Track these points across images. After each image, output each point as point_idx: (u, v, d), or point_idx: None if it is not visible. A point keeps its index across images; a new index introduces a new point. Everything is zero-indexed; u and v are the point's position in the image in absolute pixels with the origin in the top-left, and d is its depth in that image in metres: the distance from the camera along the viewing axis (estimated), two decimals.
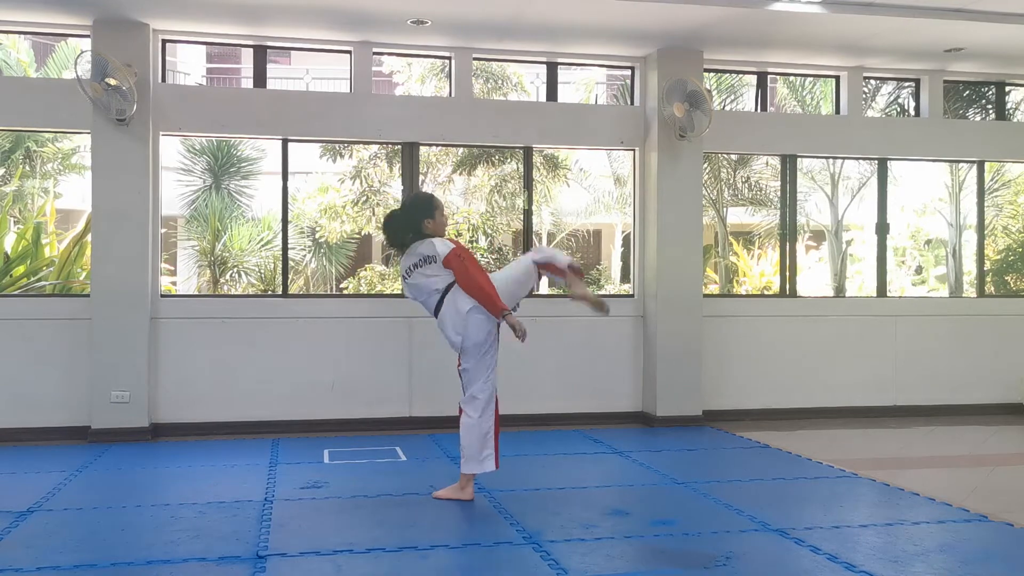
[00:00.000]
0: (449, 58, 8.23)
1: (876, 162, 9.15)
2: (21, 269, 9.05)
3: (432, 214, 5.23)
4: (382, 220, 5.38)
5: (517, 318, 4.99)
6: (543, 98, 9.22)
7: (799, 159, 9.07)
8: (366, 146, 12.32)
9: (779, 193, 9.28)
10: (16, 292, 8.66)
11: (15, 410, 7.22)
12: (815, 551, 4.32)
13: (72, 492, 5.54)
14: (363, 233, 13.02)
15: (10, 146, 12.40)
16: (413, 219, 5.22)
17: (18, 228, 10.36)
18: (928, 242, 14.30)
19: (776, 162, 9.73)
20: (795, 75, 11.02)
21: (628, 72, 8.66)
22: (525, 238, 8.50)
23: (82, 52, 7.19)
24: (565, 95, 13.01)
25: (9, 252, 9.20)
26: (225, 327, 7.60)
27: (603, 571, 4.05)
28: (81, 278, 8.91)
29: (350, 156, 12.95)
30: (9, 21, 7.37)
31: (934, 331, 8.86)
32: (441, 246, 5.09)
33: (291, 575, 3.99)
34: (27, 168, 12.60)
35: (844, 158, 10.96)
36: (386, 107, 8.07)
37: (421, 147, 8.34)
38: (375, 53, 8.05)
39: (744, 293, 12.76)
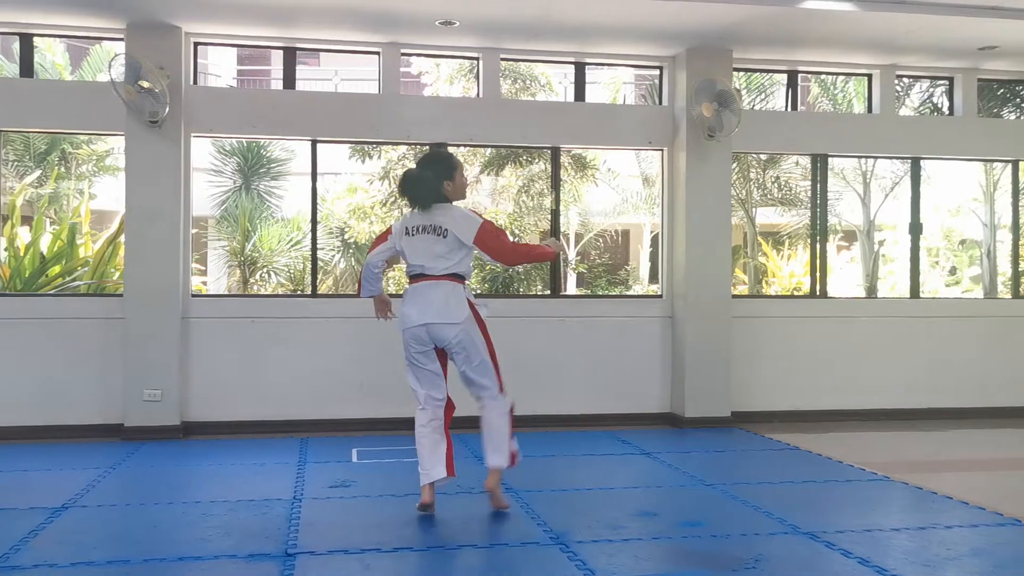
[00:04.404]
0: (477, 59, 8.24)
1: (909, 161, 9.04)
2: (57, 269, 9.19)
3: (452, 175, 4.87)
4: (400, 180, 4.93)
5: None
6: (571, 98, 9.21)
7: (830, 159, 8.99)
8: (395, 147, 12.37)
9: (810, 193, 9.19)
10: (52, 292, 8.80)
11: (50, 407, 7.33)
12: (846, 555, 4.27)
13: (106, 489, 5.62)
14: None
15: (46, 148, 12.60)
16: (431, 181, 4.82)
17: (54, 229, 10.52)
18: (962, 242, 14.12)
19: (807, 162, 9.65)
20: (826, 74, 10.91)
21: (656, 72, 8.62)
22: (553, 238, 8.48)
23: (116, 55, 7.29)
24: (593, 95, 12.99)
25: (45, 252, 9.34)
26: (255, 327, 7.66)
27: (630, 572, 4.03)
28: (115, 278, 9.03)
29: (379, 157, 13.02)
30: (45, 25, 7.49)
31: (968, 333, 8.74)
32: (467, 225, 4.75)
33: (319, 573, 4.01)
34: (63, 170, 12.80)
35: (876, 157, 10.84)
36: (414, 108, 8.10)
37: (449, 147, 8.36)
38: (403, 54, 8.08)
39: (773, 294, 12.66)
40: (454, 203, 4.93)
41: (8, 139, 11.19)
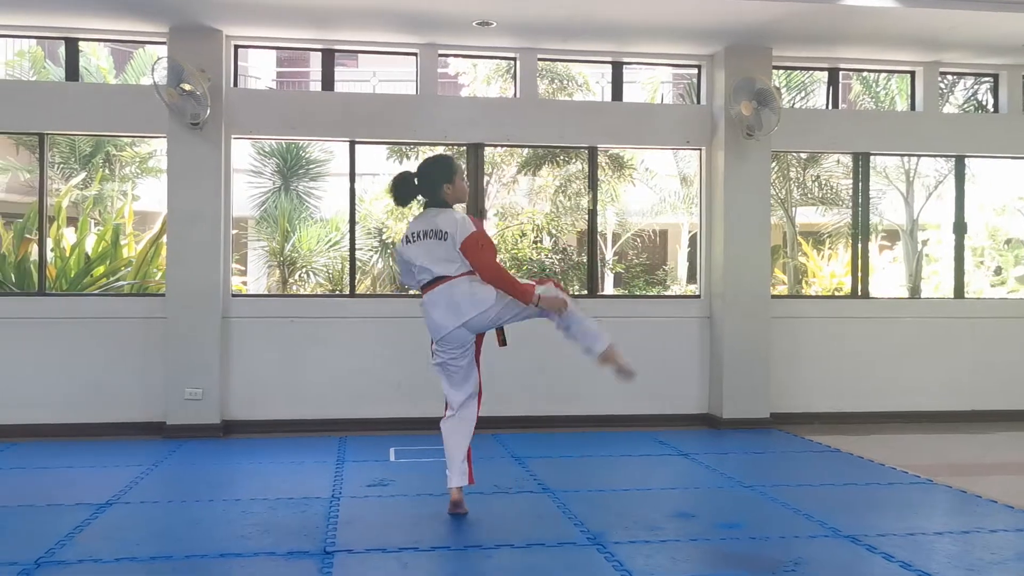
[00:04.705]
0: (514, 59, 8.25)
1: (953, 159, 8.89)
2: (101, 269, 9.35)
3: (452, 179, 4.80)
4: (393, 180, 4.86)
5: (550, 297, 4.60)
6: (608, 98, 9.18)
7: (872, 157, 8.87)
8: (432, 147, 12.40)
9: (851, 192, 9.08)
10: (96, 291, 8.96)
11: (95, 405, 7.45)
12: (888, 558, 4.21)
13: (148, 486, 5.71)
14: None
15: (91, 150, 12.82)
16: (431, 184, 4.79)
17: (98, 230, 10.71)
18: (1008, 242, 13.84)
19: (848, 160, 9.53)
20: (868, 71, 10.76)
21: (694, 71, 8.57)
22: (590, 238, 8.47)
23: (159, 59, 7.41)
24: (630, 95, 12.93)
25: (90, 253, 9.51)
26: (294, 326, 7.73)
27: (668, 573, 4.02)
28: (157, 278, 9.17)
29: (416, 157, 13.06)
30: (90, 29, 7.63)
31: (1013, 334, 8.56)
32: (461, 228, 4.65)
33: (358, 571, 4.04)
34: (107, 172, 13.02)
35: (919, 156, 10.67)
36: (452, 108, 8.13)
37: (486, 148, 8.38)
38: (441, 55, 8.11)
39: (814, 294, 12.51)
40: (454, 207, 4.89)
41: (54, 142, 11.41)
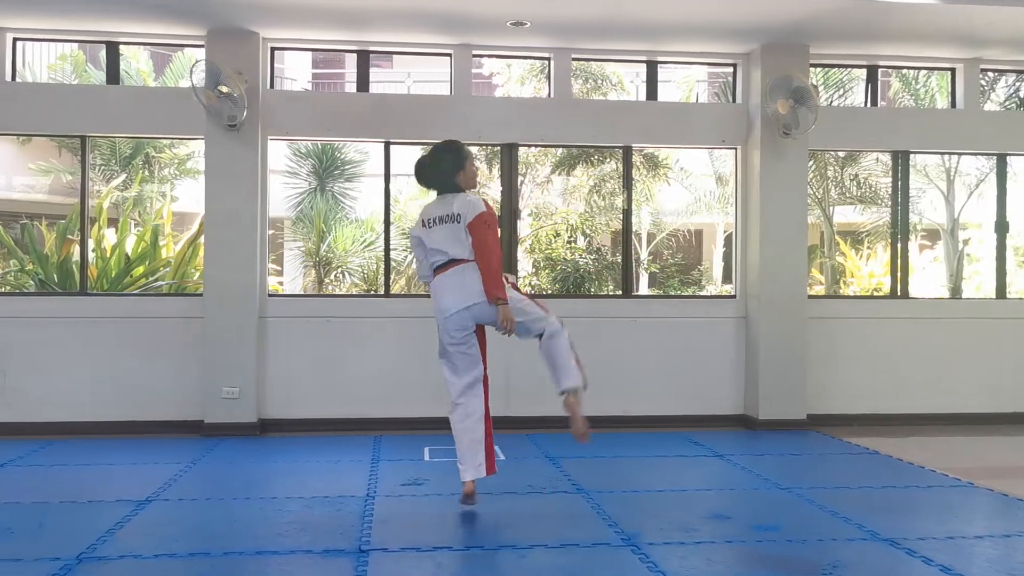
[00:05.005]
0: (548, 59, 8.23)
1: (995, 158, 8.74)
2: (140, 269, 9.48)
3: (463, 165, 4.98)
4: (415, 168, 5.09)
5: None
6: (643, 97, 9.14)
7: (912, 155, 8.74)
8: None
9: (890, 191, 8.95)
10: (136, 291, 9.09)
11: (134, 403, 7.56)
12: (927, 562, 4.15)
13: (187, 483, 5.78)
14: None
15: (131, 153, 13.02)
16: (444, 171, 4.97)
17: (138, 230, 10.86)
18: None
19: (887, 158, 9.40)
20: (907, 68, 10.61)
21: (730, 69, 8.50)
22: (624, 238, 8.44)
23: (197, 62, 7.50)
24: (665, 94, 12.87)
25: (130, 253, 9.65)
26: (329, 326, 7.79)
27: (703, 575, 3.99)
28: (195, 278, 9.28)
29: None
30: (131, 33, 7.74)
31: None
32: (472, 208, 4.79)
33: (392, 570, 4.06)
34: (146, 173, 13.20)
35: (960, 154, 10.51)
36: (486, 109, 8.14)
37: (520, 148, 8.38)
38: (475, 55, 8.12)
39: (852, 294, 12.36)
40: (467, 191, 4.99)
41: (95, 144, 11.60)
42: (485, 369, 5.02)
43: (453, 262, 4.85)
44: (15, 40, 7.75)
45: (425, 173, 5.05)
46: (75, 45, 12.31)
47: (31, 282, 9.36)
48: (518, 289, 5.06)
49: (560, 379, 4.96)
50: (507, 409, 7.68)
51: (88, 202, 7.85)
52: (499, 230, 4.98)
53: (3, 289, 10.21)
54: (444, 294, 4.87)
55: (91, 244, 8.61)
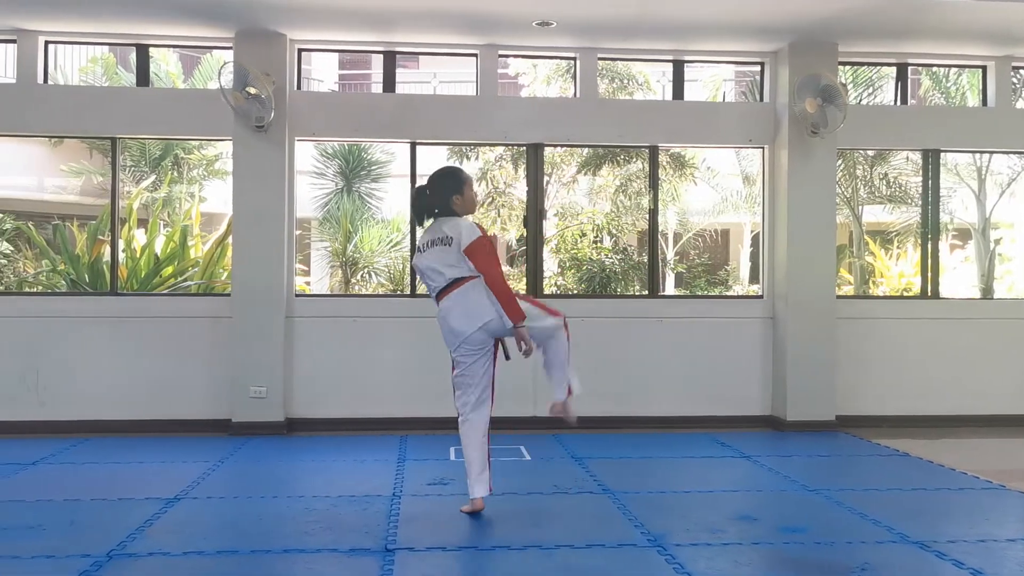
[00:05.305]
0: (574, 59, 8.22)
1: None
2: (170, 269, 9.57)
3: (461, 189, 4.97)
4: (411, 196, 5.16)
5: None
6: (669, 96, 9.10)
7: (943, 154, 8.64)
8: (492, 148, 12.45)
9: (920, 190, 8.85)
10: (165, 291, 9.18)
11: (164, 402, 7.64)
12: (958, 565, 4.10)
13: (215, 482, 5.83)
14: (489, 234, 13.13)
15: (160, 154, 13.15)
16: (441, 195, 4.97)
17: (167, 231, 10.97)
18: None
19: (917, 157, 9.29)
20: (937, 66, 10.49)
21: (757, 68, 8.44)
22: (651, 238, 8.41)
23: (225, 63, 7.56)
24: (692, 93, 12.80)
25: (159, 253, 9.75)
26: (356, 326, 7.82)
27: None
28: (223, 278, 9.36)
29: (476, 158, 13.12)
30: (160, 35, 7.83)
31: None
32: (467, 232, 4.81)
33: (418, 569, 4.07)
34: (175, 174, 13.33)
35: (992, 152, 10.37)
36: (512, 109, 8.14)
37: (546, 148, 8.37)
38: (501, 55, 8.13)
39: (881, 294, 12.23)
40: (464, 217, 5.00)
41: (125, 145, 11.72)
42: (493, 386, 5.06)
43: (453, 284, 4.85)
44: (47, 43, 7.86)
45: (421, 197, 5.04)
46: (105, 48, 12.47)
47: (63, 282, 9.49)
48: (523, 297, 5.06)
49: (555, 390, 5.05)
50: (534, 409, 7.67)
51: (118, 203, 7.94)
52: (497, 249, 4.99)
53: (35, 289, 10.37)
54: (451, 318, 4.89)
55: (121, 244, 8.70)
